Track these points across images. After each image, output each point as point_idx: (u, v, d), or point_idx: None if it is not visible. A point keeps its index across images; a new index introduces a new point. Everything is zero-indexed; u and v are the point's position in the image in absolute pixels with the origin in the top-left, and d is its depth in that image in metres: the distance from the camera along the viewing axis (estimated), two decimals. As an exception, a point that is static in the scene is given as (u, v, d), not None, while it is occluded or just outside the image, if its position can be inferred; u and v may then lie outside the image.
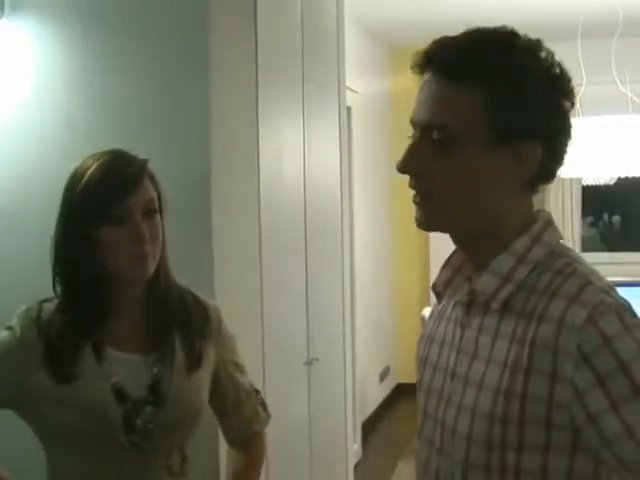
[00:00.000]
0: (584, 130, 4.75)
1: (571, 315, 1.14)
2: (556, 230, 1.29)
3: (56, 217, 1.70)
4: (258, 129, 2.70)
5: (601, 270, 1.26)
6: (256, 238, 2.70)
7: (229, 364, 1.88)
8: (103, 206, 1.63)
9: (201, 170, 2.32)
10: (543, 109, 1.21)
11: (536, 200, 1.31)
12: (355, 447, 5.33)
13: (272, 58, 2.86)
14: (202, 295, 1.87)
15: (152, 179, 1.72)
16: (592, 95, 4.80)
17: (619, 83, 5.02)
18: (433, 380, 1.32)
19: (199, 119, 2.32)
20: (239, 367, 1.91)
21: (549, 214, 1.30)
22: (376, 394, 6.69)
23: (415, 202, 1.26)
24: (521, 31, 1.25)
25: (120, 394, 1.66)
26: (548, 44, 1.24)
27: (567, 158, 1.27)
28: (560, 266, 1.22)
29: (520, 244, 1.24)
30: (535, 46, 1.23)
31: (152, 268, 1.69)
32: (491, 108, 1.20)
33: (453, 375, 1.27)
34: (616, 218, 8.21)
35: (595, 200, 7.61)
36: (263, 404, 1.98)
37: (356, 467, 4.78)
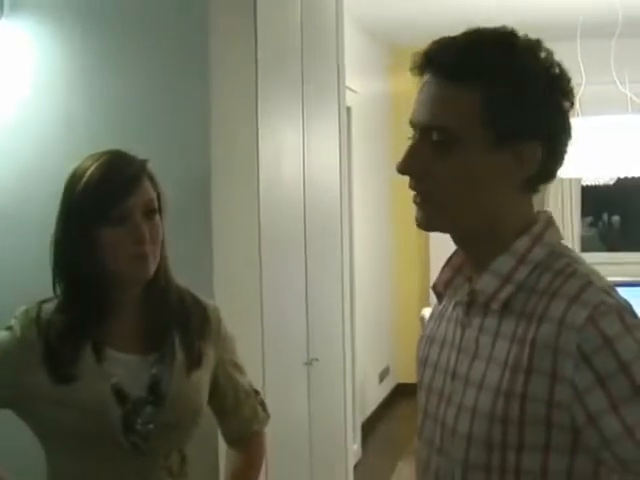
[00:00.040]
0: (583, 130, 4.75)
1: (572, 315, 1.15)
2: (557, 230, 1.29)
3: (56, 217, 1.70)
4: (258, 129, 2.70)
5: (600, 270, 1.26)
6: (256, 238, 2.70)
7: (228, 364, 1.88)
8: (103, 206, 1.63)
9: (201, 170, 2.32)
10: (543, 109, 1.21)
11: (536, 200, 1.31)
12: (355, 447, 5.33)
13: (272, 58, 2.86)
14: (201, 295, 1.87)
15: (151, 179, 1.72)
16: (591, 95, 4.80)
17: (618, 83, 5.02)
18: (433, 380, 1.32)
19: (199, 119, 2.32)
20: (238, 367, 1.91)
21: (550, 214, 1.30)
22: (376, 394, 6.69)
23: (415, 203, 1.26)
24: (521, 31, 1.25)
25: (120, 394, 1.66)
26: (548, 44, 1.24)
27: (567, 158, 1.27)
28: (561, 266, 1.22)
29: (521, 244, 1.24)
30: (535, 46, 1.23)
31: (153, 268, 1.69)
32: (490, 108, 1.20)
33: (453, 375, 1.27)
34: (615, 218, 8.21)
35: (595, 200, 7.61)
36: (262, 404, 1.98)
37: (356, 467, 4.78)
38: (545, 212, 1.30)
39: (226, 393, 1.88)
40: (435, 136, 1.22)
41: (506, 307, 1.22)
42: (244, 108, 2.64)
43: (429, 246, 6.98)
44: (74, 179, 1.68)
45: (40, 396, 1.65)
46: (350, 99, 5.01)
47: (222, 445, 2.06)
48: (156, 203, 1.71)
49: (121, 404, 1.66)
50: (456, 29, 1.25)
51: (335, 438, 3.68)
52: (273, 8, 2.91)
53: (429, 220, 1.27)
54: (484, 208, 1.24)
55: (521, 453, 1.17)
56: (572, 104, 1.25)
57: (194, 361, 1.76)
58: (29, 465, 1.76)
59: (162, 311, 1.75)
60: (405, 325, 7.04)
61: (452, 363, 1.29)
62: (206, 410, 1.84)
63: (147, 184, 1.70)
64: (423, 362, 1.37)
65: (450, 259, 1.36)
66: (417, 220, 1.27)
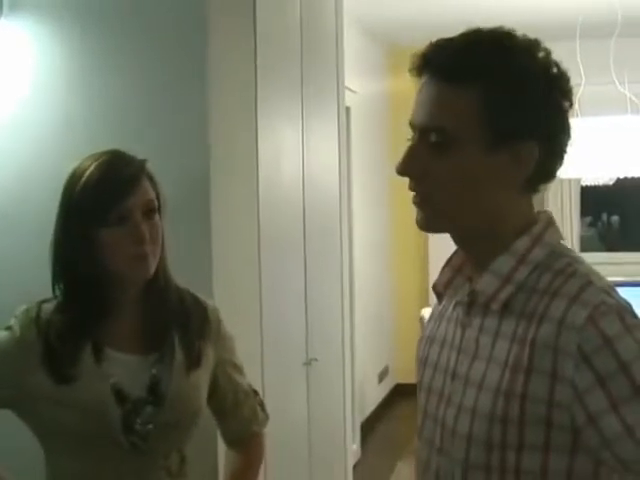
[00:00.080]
0: (583, 130, 4.76)
1: (572, 315, 1.15)
2: (557, 230, 1.29)
3: (55, 217, 1.70)
4: (257, 129, 2.70)
5: (599, 270, 1.26)
6: (255, 238, 2.70)
7: (228, 365, 1.87)
8: (102, 206, 1.63)
9: (200, 170, 2.32)
10: (541, 109, 1.21)
11: (535, 200, 1.31)
12: (354, 447, 5.32)
13: (271, 58, 2.86)
14: (201, 295, 1.87)
15: (151, 179, 1.72)
16: (591, 95, 4.80)
17: (618, 83, 5.02)
18: (433, 380, 1.32)
19: (198, 119, 2.32)
20: (238, 368, 1.91)
21: (550, 215, 1.30)
22: (375, 394, 6.69)
23: (415, 204, 1.26)
24: (520, 31, 1.25)
25: (120, 394, 1.66)
26: (547, 44, 1.24)
27: (566, 158, 1.27)
28: (561, 266, 1.22)
29: (521, 244, 1.24)
30: (533, 46, 1.23)
31: (153, 268, 1.69)
32: (488, 109, 1.20)
33: (453, 375, 1.27)
34: (615, 218, 8.21)
35: (594, 200, 7.62)
36: (262, 405, 1.98)
37: (355, 467, 4.78)
38: (545, 212, 1.30)
39: (225, 394, 1.88)
40: (433, 137, 1.22)
41: (506, 307, 1.22)
42: (243, 108, 2.64)
43: (428, 246, 6.98)
44: (73, 179, 1.68)
45: (40, 396, 1.65)
46: (349, 99, 5.01)
47: (221, 445, 2.06)
48: (155, 203, 1.71)
49: (121, 404, 1.66)
50: (456, 29, 1.25)
51: (334, 438, 3.68)
52: (272, 8, 2.91)
53: (429, 221, 1.27)
54: (484, 208, 1.24)
55: (521, 453, 1.17)
56: (571, 104, 1.24)
57: (194, 361, 1.76)
58: (29, 465, 1.76)
59: (161, 311, 1.75)
60: (404, 325, 7.04)
61: (452, 363, 1.28)
62: (205, 410, 1.84)
63: (146, 184, 1.70)
64: (423, 362, 1.37)
65: (450, 259, 1.36)
66: (417, 221, 1.27)
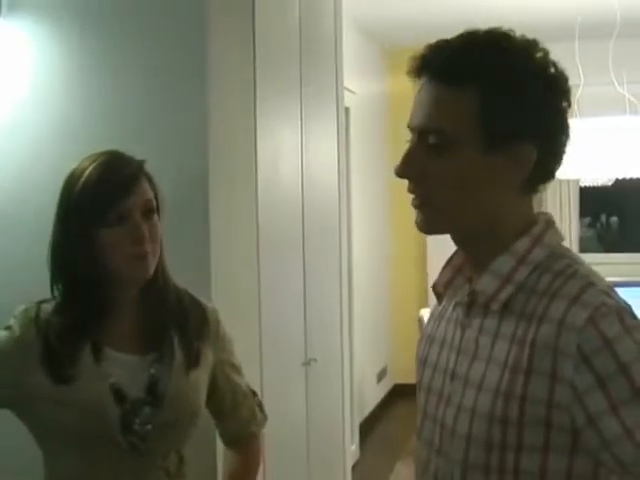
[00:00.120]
0: (582, 131, 4.76)
1: (572, 316, 1.15)
2: (557, 231, 1.29)
3: (54, 218, 1.70)
4: (256, 129, 2.70)
5: (598, 271, 1.26)
6: (254, 238, 2.69)
7: (227, 366, 1.87)
8: (101, 207, 1.63)
9: (199, 170, 2.32)
10: (539, 110, 1.21)
11: (533, 201, 1.31)
12: (353, 447, 5.32)
13: (270, 59, 2.86)
14: (199, 295, 1.87)
15: (149, 179, 1.72)
16: (589, 96, 4.81)
17: (616, 84, 5.03)
18: (433, 380, 1.32)
19: (197, 120, 2.32)
20: (236, 369, 1.91)
21: (550, 215, 1.30)
22: (374, 395, 6.69)
23: (414, 206, 1.26)
24: (519, 32, 1.25)
25: (118, 394, 1.66)
26: (546, 44, 1.24)
27: (565, 159, 1.27)
28: (561, 267, 1.22)
29: (521, 245, 1.24)
30: (530, 46, 1.23)
31: (152, 267, 1.69)
32: (486, 110, 1.20)
33: (453, 375, 1.27)
34: (613, 219, 8.22)
35: (593, 201, 7.62)
36: (260, 406, 1.98)
37: (354, 467, 4.77)
38: (545, 213, 1.31)
39: (224, 394, 1.88)
40: (431, 139, 1.22)
41: (506, 308, 1.22)
42: (242, 109, 2.64)
43: (427, 246, 6.98)
44: (72, 179, 1.68)
45: (39, 396, 1.65)
46: (348, 100, 5.01)
47: (220, 446, 2.06)
48: (154, 203, 1.71)
49: (119, 404, 1.66)
50: (455, 29, 1.25)
51: (333, 438, 3.68)
52: (272, 9, 2.91)
53: (429, 223, 1.27)
54: (484, 209, 1.24)
55: (520, 454, 1.17)
56: (569, 104, 1.24)
57: (192, 361, 1.76)
58: (28, 465, 1.76)
59: (160, 311, 1.75)
60: (403, 326, 7.04)
61: (452, 363, 1.29)
62: (204, 411, 1.84)
63: (145, 184, 1.70)
64: (423, 362, 1.37)
65: (450, 259, 1.36)
66: (417, 223, 1.27)
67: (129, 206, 1.65)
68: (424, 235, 1.31)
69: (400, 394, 6.88)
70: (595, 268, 1.25)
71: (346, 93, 4.27)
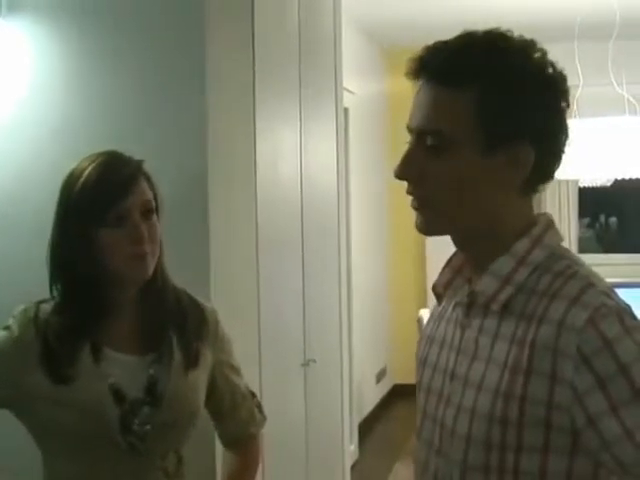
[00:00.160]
0: (581, 131, 4.76)
1: (572, 317, 1.14)
2: (557, 232, 1.29)
3: (53, 218, 1.70)
4: (255, 130, 2.70)
5: (597, 271, 1.26)
6: (253, 238, 2.69)
7: (225, 366, 1.87)
8: (100, 207, 1.63)
9: (198, 171, 2.32)
10: (537, 110, 1.21)
11: (533, 201, 1.31)
12: (352, 448, 5.32)
13: (269, 60, 2.86)
14: (198, 295, 1.87)
15: (148, 180, 1.72)
16: (589, 97, 4.81)
17: (616, 85, 5.03)
18: (432, 381, 1.32)
19: (196, 120, 2.32)
20: (235, 370, 1.91)
21: (550, 216, 1.30)
22: (373, 395, 6.69)
23: (414, 207, 1.26)
24: (518, 32, 1.25)
25: (117, 394, 1.66)
26: (545, 45, 1.24)
27: (564, 159, 1.27)
28: (561, 268, 1.22)
29: (520, 246, 1.24)
30: (528, 46, 1.23)
31: (152, 267, 1.69)
32: (484, 111, 1.20)
33: (453, 376, 1.27)
34: (612, 220, 8.22)
35: (592, 201, 7.62)
36: (259, 406, 1.98)
37: (353, 468, 4.77)
38: (545, 214, 1.30)
39: (223, 395, 1.88)
40: (430, 140, 1.22)
41: (506, 308, 1.22)
42: (242, 109, 2.64)
43: (426, 247, 6.99)
44: (71, 180, 1.68)
45: (38, 396, 1.65)
46: (347, 100, 5.01)
47: (219, 447, 2.06)
48: (153, 203, 1.71)
49: (118, 404, 1.66)
50: (454, 30, 1.25)
51: (332, 439, 3.68)
52: (271, 10, 2.91)
53: (429, 225, 1.27)
54: (483, 209, 1.24)
55: (520, 454, 1.17)
56: (568, 104, 1.24)
57: (191, 361, 1.76)
58: (28, 465, 1.76)
59: (159, 311, 1.75)
60: (402, 326, 7.04)
61: (451, 364, 1.28)
62: (203, 412, 1.84)
63: (144, 184, 1.70)
64: (422, 362, 1.37)
65: (450, 260, 1.36)
66: (417, 225, 1.27)
67: (128, 206, 1.65)
68: (423, 235, 1.31)
69: (399, 394, 6.88)
70: (594, 269, 1.25)
71: (345, 93, 4.26)
